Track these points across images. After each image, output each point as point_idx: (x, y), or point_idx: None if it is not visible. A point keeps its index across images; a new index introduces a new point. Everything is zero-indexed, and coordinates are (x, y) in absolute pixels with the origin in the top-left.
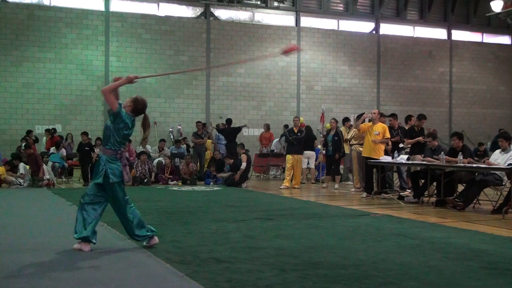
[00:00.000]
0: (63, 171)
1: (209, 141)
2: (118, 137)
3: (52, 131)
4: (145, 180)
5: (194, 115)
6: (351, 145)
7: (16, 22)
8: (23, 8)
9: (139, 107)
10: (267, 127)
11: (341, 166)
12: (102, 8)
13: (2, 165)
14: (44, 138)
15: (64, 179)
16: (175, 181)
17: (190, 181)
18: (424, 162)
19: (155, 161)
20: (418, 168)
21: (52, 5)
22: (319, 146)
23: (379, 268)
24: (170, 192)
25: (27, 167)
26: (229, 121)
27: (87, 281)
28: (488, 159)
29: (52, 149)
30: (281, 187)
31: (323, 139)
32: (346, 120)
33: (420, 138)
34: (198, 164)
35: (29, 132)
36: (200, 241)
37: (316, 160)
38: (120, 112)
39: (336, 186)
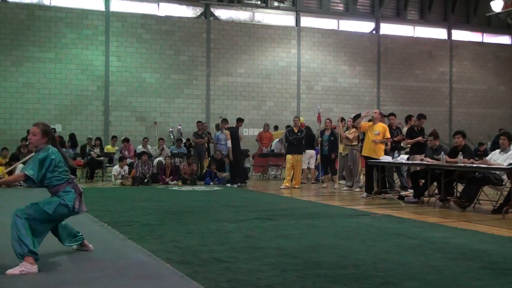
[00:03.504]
0: None
1: None
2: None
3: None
4: (145, 180)
5: (194, 115)
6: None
7: (16, 22)
8: (23, 8)
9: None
10: (267, 127)
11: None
12: (102, 8)
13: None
14: None
15: None
16: (175, 181)
17: (190, 181)
18: (424, 162)
19: (155, 160)
20: (418, 168)
21: (52, 5)
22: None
23: (379, 268)
24: (170, 192)
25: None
26: None
27: (87, 281)
28: (485, 159)
29: None
30: (281, 187)
31: (319, 139)
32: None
33: (420, 138)
34: (198, 164)
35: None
36: (200, 241)
37: (316, 160)
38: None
39: (336, 186)
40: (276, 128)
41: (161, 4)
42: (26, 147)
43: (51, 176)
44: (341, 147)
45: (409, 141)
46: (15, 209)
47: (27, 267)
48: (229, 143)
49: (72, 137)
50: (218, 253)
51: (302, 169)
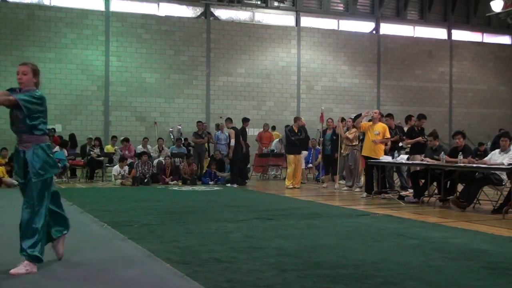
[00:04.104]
0: (64, 171)
1: None
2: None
3: (53, 130)
4: (145, 180)
5: (194, 115)
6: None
7: (16, 22)
8: (23, 8)
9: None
10: (267, 127)
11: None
12: (102, 8)
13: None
14: None
15: (64, 179)
16: (175, 181)
17: (190, 181)
18: (424, 162)
19: (155, 161)
20: (418, 168)
21: (52, 5)
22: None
23: (379, 268)
24: (170, 192)
25: None
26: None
27: (87, 281)
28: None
29: (56, 148)
30: (289, 186)
31: (322, 139)
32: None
33: (420, 138)
34: (198, 164)
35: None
36: (200, 241)
37: (316, 160)
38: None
39: (336, 186)
40: (273, 128)
41: (161, 4)
42: None
43: (44, 119)
44: (341, 147)
45: (409, 141)
46: (25, 205)
47: (30, 266)
48: (233, 141)
49: (72, 137)
50: (218, 253)
51: (302, 169)
